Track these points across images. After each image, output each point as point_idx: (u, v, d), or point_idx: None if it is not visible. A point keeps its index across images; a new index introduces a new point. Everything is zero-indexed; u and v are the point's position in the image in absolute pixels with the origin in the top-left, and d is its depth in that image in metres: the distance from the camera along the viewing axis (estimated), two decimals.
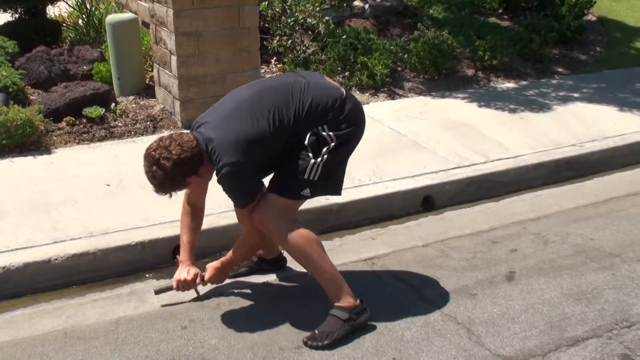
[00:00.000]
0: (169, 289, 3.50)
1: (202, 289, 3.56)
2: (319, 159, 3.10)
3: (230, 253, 3.44)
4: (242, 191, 3.13)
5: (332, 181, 3.28)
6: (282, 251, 3.84)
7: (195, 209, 3.47)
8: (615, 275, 3.74)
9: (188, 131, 3.23)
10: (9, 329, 3.32)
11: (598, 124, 5.89)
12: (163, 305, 3.49)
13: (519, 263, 3.89)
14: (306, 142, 3.09)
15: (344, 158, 3.29)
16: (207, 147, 3.07)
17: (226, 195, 3.18)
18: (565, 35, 8.23)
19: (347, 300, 3.22)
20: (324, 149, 3.10)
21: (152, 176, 3.10)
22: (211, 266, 3.47)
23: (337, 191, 3.36)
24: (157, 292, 3.52)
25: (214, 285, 3.59)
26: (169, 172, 3.04)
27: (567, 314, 3.38)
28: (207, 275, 3.46)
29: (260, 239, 3.38)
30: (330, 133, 3.11)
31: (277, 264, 3.83)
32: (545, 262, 3.90)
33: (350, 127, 3.16)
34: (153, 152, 3.08)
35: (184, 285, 3.44)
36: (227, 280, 3.63)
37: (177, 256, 3.86)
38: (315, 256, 3.20)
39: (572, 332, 3.23)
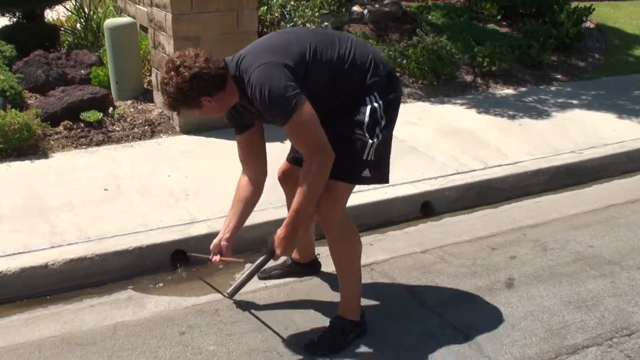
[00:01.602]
0: (241, 285, 3.24)
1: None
2: (375, 140, 2.96)
3: (291, 210, 2.94)
4: (278, 91, 2.74)
5: (383, 166, 3.12)
6: (317, 254, 3.81)
7: (245, 183, 3.22)
8: (615, 283, 3.72)
9: None
10: (5, 335, 3.29)
11: (597, 131, 5.89)
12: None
13: (518, 270, 3.88)
14: (365, 120, 2.93)
15: (390, 139, 3.12)
16: (240, 62, 2.87)
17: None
18: (564, 42, 8.24)
19: (355, 314, 3.22)
20: (377, 129, 2.97)
21: (166, 83, 2.81)
22: (277, 237, 2.98)
23: (387, 179, 3.18)
24: (232, 294, 3.30)
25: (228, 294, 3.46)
26: (186, 82, 2.76)
27: (567, 322, 3.37)
28: (277, 247, 2.98)
29: (325, 168, 2.89)
30: (380, 102, 2.96)
31: (311, 268, 3.78)
32: (545, 269, 3.89)
33: (394, 91, 3.05)
34: (175, 58, 2.83)
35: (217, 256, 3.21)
36: (244, 291, 3.57)
37: (178, 264, 3.85)
38: (355, 260, 3.18)
39: (572, 340, 3.22)
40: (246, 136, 3.15)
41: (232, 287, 3.19)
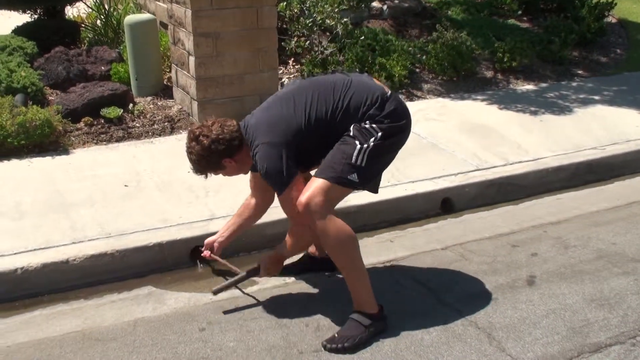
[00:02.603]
0: (227, 287, 3.55)
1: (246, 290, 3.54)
2: (365, 145, 3.09)
3: (282, 244, 3.37)
4: (276, 171, 3.08)
5: (375, 176, 3.33)
6: None
7: (251, 204, 3.60)
8: (638, 281, 3.68)
9: None
10: (27, 330, 3.32)
11: (619, 127, 5.82)
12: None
13: (539, 267, 3.84)
14: (352, 133, 3.12)
15: (388, 154, 3.26)
16: (246, 131, 3.21)
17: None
18: (585, 37, 8.16)
19: (370, 307, 3.20)
20: (371, 139, 3.11)
21: (190, 152, 3.23)
22: (266, 256, 3.46)
23: (376, 189, 3.46)
24: (216, 292, 3.55)
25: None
26: (206, 149, 3.16)
27: (590, 320, 3.33)
28: (262, 269, 3.43)
29: (309, 233, 3.28)
30: (374, 125, 3.13)
31: (328, 263, 3.69)
32: (567, 266, 3.85)
33: (393, 122, 3.17)
34: (195, 129, 3.22)
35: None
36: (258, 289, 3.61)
37: (198, 261, 3.86)
38: (352, 254, 3.17)
39: (595, 339, 3.19)
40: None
41: (220, 286, 3.51)
